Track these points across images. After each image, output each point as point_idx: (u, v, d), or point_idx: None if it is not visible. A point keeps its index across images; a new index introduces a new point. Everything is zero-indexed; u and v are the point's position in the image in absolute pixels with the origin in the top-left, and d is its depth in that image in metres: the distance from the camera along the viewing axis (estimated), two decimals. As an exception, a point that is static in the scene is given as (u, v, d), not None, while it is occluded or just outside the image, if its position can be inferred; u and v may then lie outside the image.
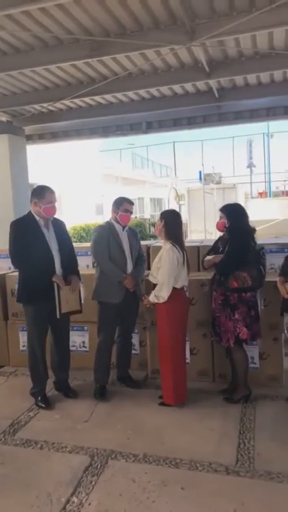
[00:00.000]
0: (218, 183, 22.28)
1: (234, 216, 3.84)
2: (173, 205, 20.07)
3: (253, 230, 3.86)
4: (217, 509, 2.49)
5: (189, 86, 5.94)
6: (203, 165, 24.59)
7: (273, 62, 5.07)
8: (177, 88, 6.00)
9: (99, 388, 4.05)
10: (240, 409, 3.69)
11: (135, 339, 4.50)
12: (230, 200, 9.48)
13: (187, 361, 4.10)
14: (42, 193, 3.77)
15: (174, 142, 26.84)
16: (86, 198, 16.14)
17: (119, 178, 21.29)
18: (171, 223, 3.78)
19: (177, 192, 21.27)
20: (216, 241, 4.05)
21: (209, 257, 3.94)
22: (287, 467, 2.85)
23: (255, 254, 3.78)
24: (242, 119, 6.81)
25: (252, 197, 26.49)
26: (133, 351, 4.43)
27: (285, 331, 4.22)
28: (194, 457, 3.01)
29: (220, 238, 4.02)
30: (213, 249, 4.01)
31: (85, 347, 4.70)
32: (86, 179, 16.40)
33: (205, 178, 21.84)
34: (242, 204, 18.22)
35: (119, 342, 4.23)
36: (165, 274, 3.61)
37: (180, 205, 19.64)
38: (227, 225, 3.83)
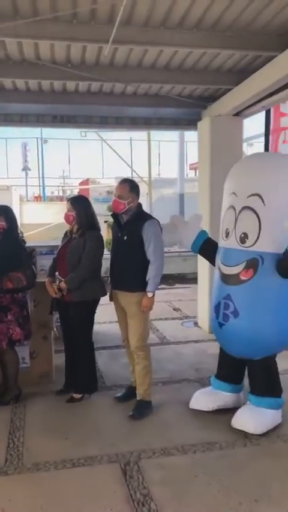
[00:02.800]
0: (-8, 184, 21.38)
1: (9, 218, 3.84)
2: None
3: (21, 232, 3.99)
4: (-17, 513, 2.47)
5: None
6: (-26, 164, 23.26)
7: (40, 72, 5.22)
8: None
9: None
10: (11, 410, 3.71)
11: None
12: (4, 202, 9.31)
13: None
14: None
15: None
16: None
17: None
18: None
19: None
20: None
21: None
22: (53, 455, 3.04)
23: (27, 255, 3.91)
24: (13, 121, 6.76)
25: (28, 200, 26.38)
26: None
27: (55, 329, 4.47)
28: None
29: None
30: (-18, 252, 3.91)
31: None
32: None
33: (-22, 178, 20.67)
34: (18, 206, 17.87)
35: None
36: None
37: None
38: (6, 227, 3.78)
